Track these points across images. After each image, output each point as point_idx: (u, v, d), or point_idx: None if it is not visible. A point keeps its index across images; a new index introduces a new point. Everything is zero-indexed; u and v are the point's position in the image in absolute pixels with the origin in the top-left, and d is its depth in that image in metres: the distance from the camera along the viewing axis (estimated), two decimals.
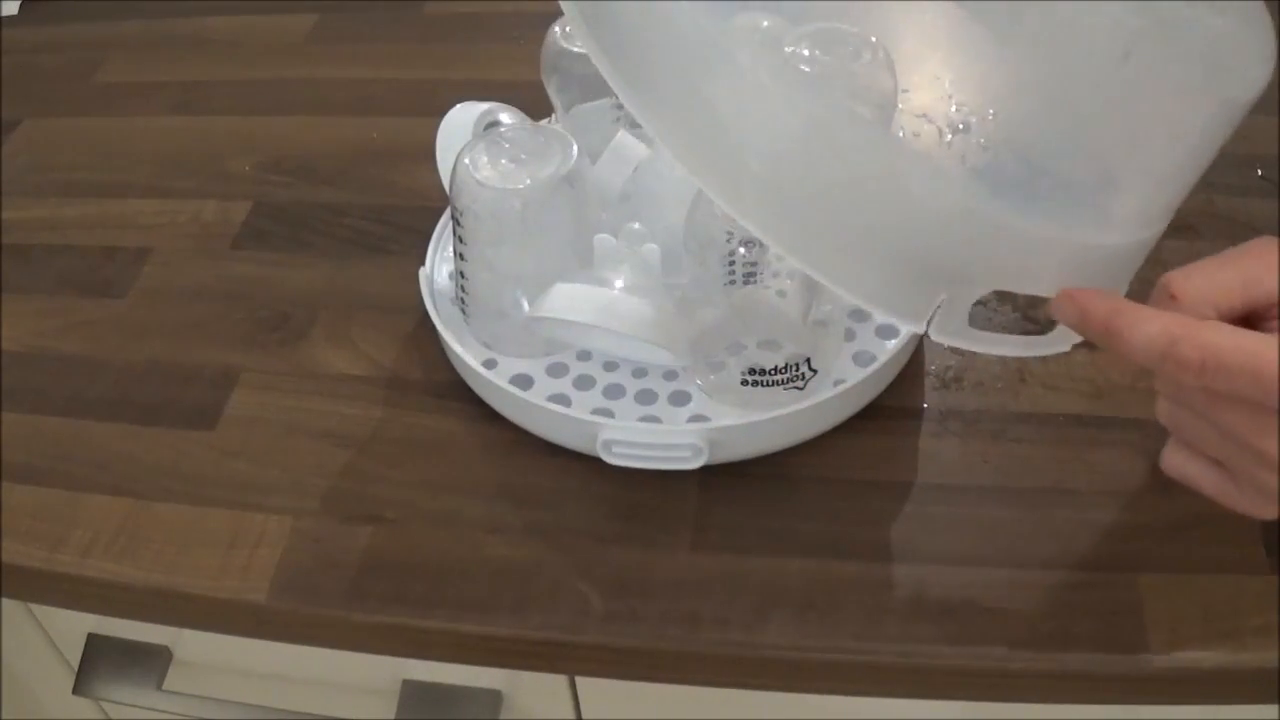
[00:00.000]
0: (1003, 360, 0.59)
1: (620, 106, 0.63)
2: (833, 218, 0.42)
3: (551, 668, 0.55)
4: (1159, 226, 0.46)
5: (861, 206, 0.41)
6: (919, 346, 0.59)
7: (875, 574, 0.51)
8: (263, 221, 0.71)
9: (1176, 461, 0.46)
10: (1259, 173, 0.68)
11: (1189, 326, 0.40)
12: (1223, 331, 0.40)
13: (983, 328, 0.47)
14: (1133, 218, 0.45)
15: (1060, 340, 0.46)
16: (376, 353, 0.62)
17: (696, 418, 0.55)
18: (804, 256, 0.42)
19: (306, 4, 0.90)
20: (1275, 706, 0.49)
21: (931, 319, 0.43)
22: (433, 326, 0.59)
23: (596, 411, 0.55)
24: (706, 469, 0.54)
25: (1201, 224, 0.65)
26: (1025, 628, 0.49)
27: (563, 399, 0.56)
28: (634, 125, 0.64)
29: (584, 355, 0.59)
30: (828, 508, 0.54)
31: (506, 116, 0.61)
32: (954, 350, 0.59)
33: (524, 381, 0.57)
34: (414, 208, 0.70)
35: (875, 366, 0.55)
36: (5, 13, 0.93)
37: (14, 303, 0.67)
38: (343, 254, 0.68)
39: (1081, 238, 0.43)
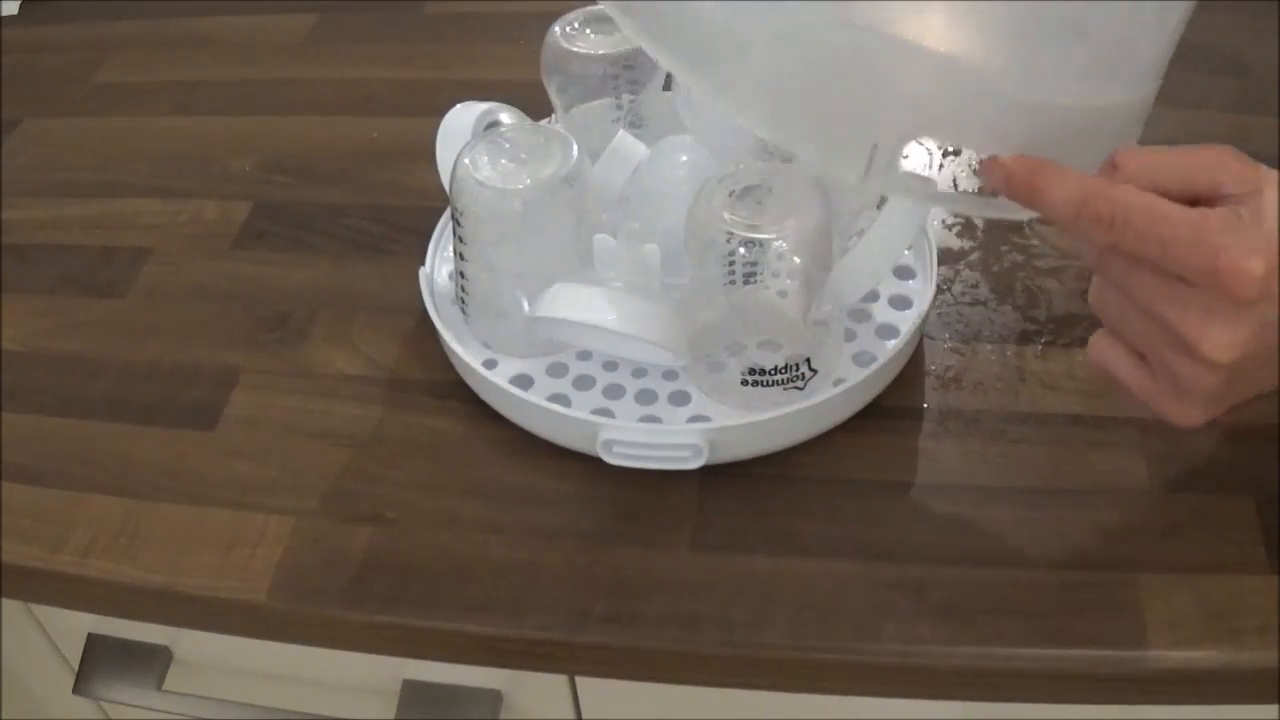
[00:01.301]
0: (1003, 360, 0.59)
1: (620, 106, 0.64)
2: (802, 98, 0.43)
3: (551, 668, 0.55)
4: (1120, 95, 0.45)
5: (831, 89, 0.43)
6: (919, 347, 0.59)
7: (875, 574, 0.51)
8: (263, 221, 0.71)
9: (1100, 347, 0.45)
10: None
11: (1105, 185, 0.41)
12: (1139, 193, 0.41)
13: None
14: (1093, 75, 0.43)
15: (1014, 207, 0.45)
16: (376, 353, 0.62)
17: (696, 418, 0.55)
18: (771, 130, 0.44)
19: (306, 4, 0.90)
20: (1275, 706, 0.49)
21: (868, 166, 0.43)
22: (433, 326, 0.59)
23: (596, 411, 0.55)
24: (706, 469, 0.54)
25: None
26: (1025, 628, 0.49)
27: (563, 399, 0.56)
28: (634, 125, 0.64)
29: (584, 355, 0.59)
30: (828, 508, 0.54)
31: (506, 117, 0.61)
32: (954, 350, 0.60)
33: (524, 381, 0.57)
34: (414, 208, 0.70)
35: (875, 366, 0.55)
36: (5, 13, 0.93)
37: (14, 303, 0.67)
38: (343, 254, 0.68)
39: (1030, 93, 0.42)
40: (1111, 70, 0.44)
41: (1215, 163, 0.42)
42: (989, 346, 0.60)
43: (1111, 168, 0.42)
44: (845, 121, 0.43)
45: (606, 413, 0.55)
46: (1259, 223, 0.40)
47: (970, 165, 0.68)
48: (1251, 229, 0.39)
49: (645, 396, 0.57)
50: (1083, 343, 0.59)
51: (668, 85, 0.64)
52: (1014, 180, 0.43)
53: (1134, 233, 0.40)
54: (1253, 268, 0.39)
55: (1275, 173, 0.42)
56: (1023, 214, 0.44)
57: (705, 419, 0.55)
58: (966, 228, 0.66)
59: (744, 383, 0.54)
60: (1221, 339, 0.40)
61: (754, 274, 0.52)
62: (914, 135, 0.44)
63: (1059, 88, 0.43)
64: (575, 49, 0.62)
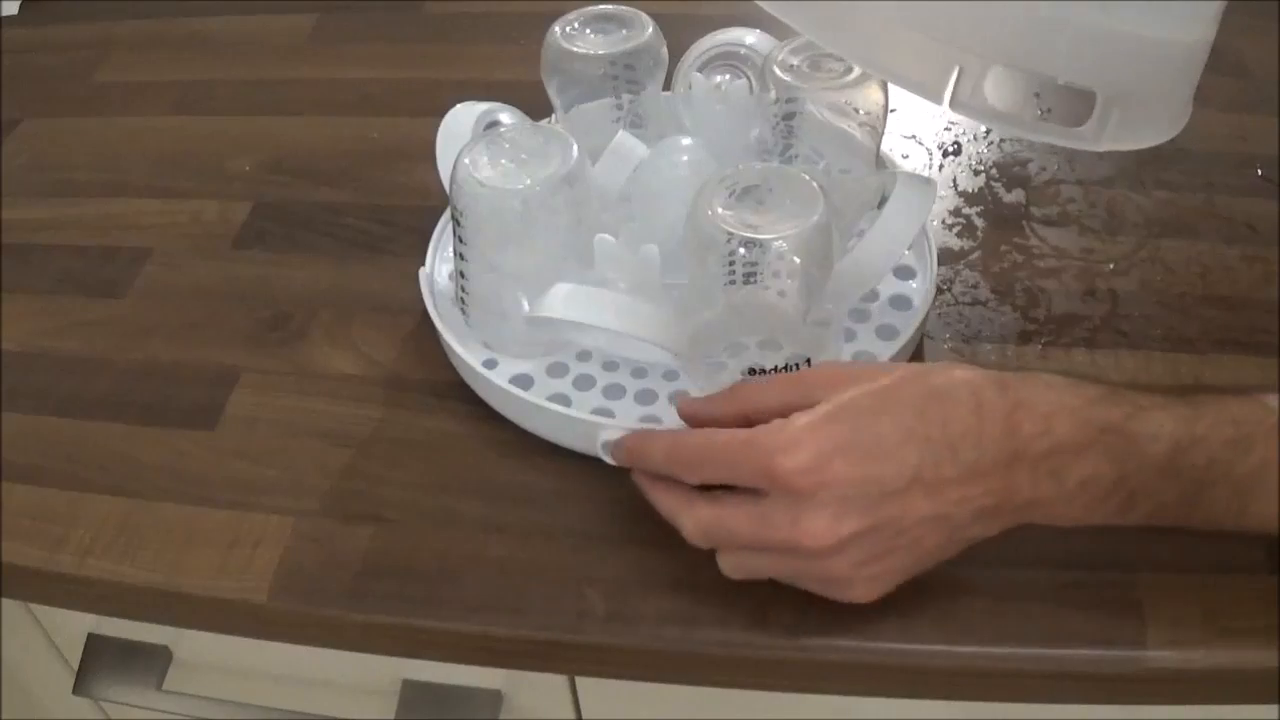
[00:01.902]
0: (1003, 360, 0.59)
1: (620, 106, 0.64)
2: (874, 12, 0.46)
3: (551, 668, 0.55)
4: (1182, 33, 0.46)
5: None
6: (919, 347, 0.59)
7: None
8: (263, 221, 0.71)
9: (729, 564, 0.48)
10: (1259, 172, 0.68)
11: (683, 435, 0.49)
12: (699, 433, 0.48)
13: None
14: (1159, 9, 0.45)
15: (1091, 136, 0.46)
16: (376, 353, 0.62)
17: None
18: (844, 49, 0.48)
19: (306, 4, 0.90)
20: (1275, 706, 0.49)
21: (952, 93, 0.46)
22: (432, 326, 0.59)
23: (596, 411, 0.55)
24: None
25: (1201, 224, 0.66)
26: (1025, 628, 0.49)
27: (563, 399, 0.56)
28: (634, 125, 0.64)
29: (584, 355, 0.59)
30: None
31: (506, 117, 0.61)
32: (954, 350, 0.60)
33: (524, 381, 0.57)
34: (414, 208, 0.70)
35: None
36: (5, 13, 0.93)
37: (14, 303, 0.67)
38: (343, 254, 0.68)
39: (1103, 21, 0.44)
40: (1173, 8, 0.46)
41: (809, 381, 0.47)
42: (989, 346, 0.60)
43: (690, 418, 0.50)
44: (931, 46, 0.46)
45: (607, 413, 0.55)
46: (794, 421, 0.45)
47: (971, 166, 0.67)
48: (789, 427, 0.44)
49: (645, 396, 0.57)
50: (1083, 343, 0.59)
51: (668, 85, 0.64)
52: (631, 454, 0.51)
53: (707, 465, 0.47)
54: (795, 461, 0.44)
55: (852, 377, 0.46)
56: (1099, 144, 0.46)
57: None
58: (967, 228, 0.66)
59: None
60: (814, 528, 0.44)
61: (754, 274, 0.52)
62: (996, 60, 0.45)
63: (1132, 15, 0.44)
64: (575, 49, 0.62)
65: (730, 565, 0.48)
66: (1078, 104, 0.45)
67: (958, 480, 0.44)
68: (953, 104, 0.46)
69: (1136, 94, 0.46)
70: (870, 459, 0.44)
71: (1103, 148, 0.46)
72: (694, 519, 0.47)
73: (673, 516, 0.49)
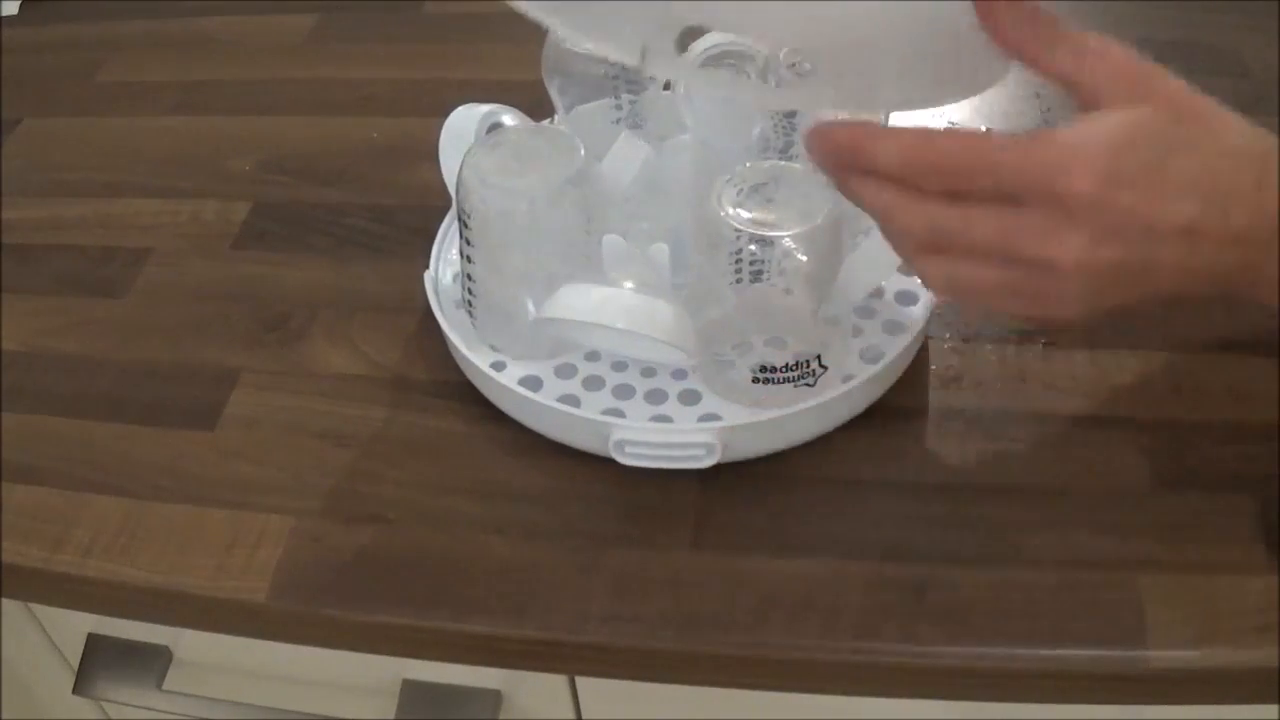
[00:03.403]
0: (1003, 360, 0.59)
1: (620, 108, 0.64)
2: None
3: (551, 668, 0.55)
4: None
5: None
6: (924, 346, 0.59)
7: (875, 574, 0.51)
8: (263, 221, 0.71)
9: (946, 272, 0.44)
10: None
11: (925, 133, 0.42)
12: (954, 134, 0.42)
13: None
14: None
15: (865, 99, 0.46)
16: (376, 353, 0.62)
17: (708, 416, 0.55)
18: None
19: (306, 4, 0.90)
20: (1275, 706, 0.49)
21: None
22: (433, 326, 0.59)
23: (607, 412, 0.55)
24: (706, 469, 0.54)
25: None
26: (1025, 627, 0.49)
27: (572, 400, 0.56)
28: (634, 126, 0.64)
29: (592, 356, 0.59)
30: (828, 507, 0.54)
31: (509, 119, 0.61)
32: (955, 350, 0.60)
33: (533, 383, 0.57)
34: (414, 208, 0.70)
35: (886, 361, 0.55)
36: (5, 13, 0.93)
37: (14, 303, 0.67)
38: (343, 254, 0.68)
39: None
40: None
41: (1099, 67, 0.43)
42: (989, 346, 0.60)
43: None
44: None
45: (617, 413, 0.55)
46: (1085, 134, 0.41)
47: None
48: (1082, 143, 0.41)
49: (655, 396, 0.57)
50: (1084, 343, 0.59)
51: (668, 85, 0.64)
52: (841, 149, 0.44)
53: (967, 171, 0.42)
54: (1085, 182, 0.40)
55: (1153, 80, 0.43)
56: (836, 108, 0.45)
57: (717, 418, 0.55)
58: None
59: (755, 380, 0.54)
60: (1071, 244, 0.41)
61: (761, 272, 0.52)
62: (681, 24, 0.45)
63: None
64: (576, 49, 0.62)
65: (942, 274, 0.44)
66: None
67: (1219, 242, 0.42)
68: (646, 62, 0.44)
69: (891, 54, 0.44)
70: (1154, 198, 0.41)
71: (879, 109, 0.45)
72: (924, 213, 0.42)
73: (890, 211, 0.43)
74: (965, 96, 0.47)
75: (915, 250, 0.44)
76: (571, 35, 0.47)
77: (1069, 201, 0.40)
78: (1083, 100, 0.44)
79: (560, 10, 0.43)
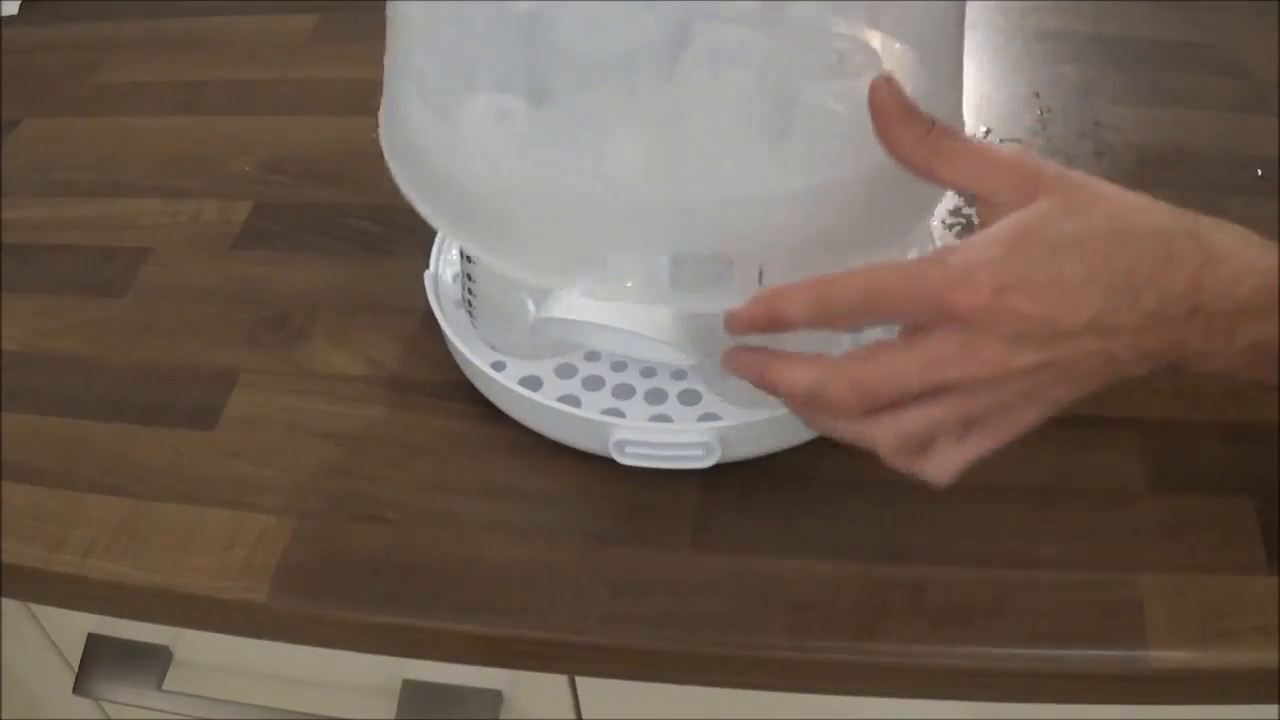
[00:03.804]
0: None
1: None
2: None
3: (551, 668, 0.55)
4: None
5: None
6: None
7: (875, 574, 0.51)
8: (263, 221, 0.71)
9: (889, 432, 0.45)
10: (1259, 173, 0.68)
11: (823, 283, 0.43)
12: (853, 275, 0.43)
13: None
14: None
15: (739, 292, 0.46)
16: (376, 353, 0.62)
17: (707, 416, 0.55)
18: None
19: (306, 4, 0.90)
20: (1275, 706, 0.49)
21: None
22: (433, 326, 0.59)
23: (607, 412, 0.55)
24: (706, 469, 0.54)
25: None
26: (1025, 628, 0.49)
27: (572, 400, 0.56)
28: None
29: (592, 356, 0.59)
30: (828, 507, 0.54)
31: None
32: None
33: (533, 383, 0.57)
34: (414, 208, 0.69)
35: None
36: (5, 13, 0.93)
37: (14, 303, 0.67)
38: (343, 254, 0.68)
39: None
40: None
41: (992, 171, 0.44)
42: None
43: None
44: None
45: (617, 413, 0.55)
46: (969, 252, 0.42)
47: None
48: (965, 261, 0.41)
49: (655, 396, 0.57)
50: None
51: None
52: (755, 314, 0.45)
53: (868, 307, 0.43)
54: (974, 297, 0.41)
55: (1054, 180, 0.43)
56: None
57: (716, 417, 0.55)
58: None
59: None
60: (989, 356, 0.42)
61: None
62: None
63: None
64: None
65: (892, 432, 0.44)
66: None
67: (1134, 329, 0.42)
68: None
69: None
70: (1050, 298, 0.41)
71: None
72: (849, 381, 0.43)
73: (817, 387, 0.44)
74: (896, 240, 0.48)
75: (855, 421, 0.44)
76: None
77: (968, 317, 0.41)
78: (981, 209, 0.44)
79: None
